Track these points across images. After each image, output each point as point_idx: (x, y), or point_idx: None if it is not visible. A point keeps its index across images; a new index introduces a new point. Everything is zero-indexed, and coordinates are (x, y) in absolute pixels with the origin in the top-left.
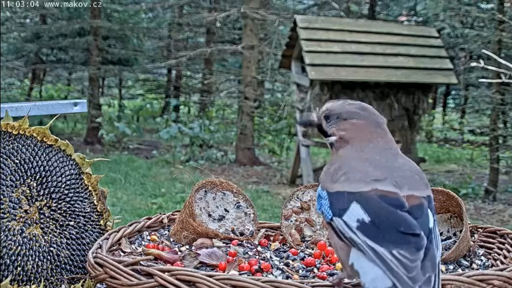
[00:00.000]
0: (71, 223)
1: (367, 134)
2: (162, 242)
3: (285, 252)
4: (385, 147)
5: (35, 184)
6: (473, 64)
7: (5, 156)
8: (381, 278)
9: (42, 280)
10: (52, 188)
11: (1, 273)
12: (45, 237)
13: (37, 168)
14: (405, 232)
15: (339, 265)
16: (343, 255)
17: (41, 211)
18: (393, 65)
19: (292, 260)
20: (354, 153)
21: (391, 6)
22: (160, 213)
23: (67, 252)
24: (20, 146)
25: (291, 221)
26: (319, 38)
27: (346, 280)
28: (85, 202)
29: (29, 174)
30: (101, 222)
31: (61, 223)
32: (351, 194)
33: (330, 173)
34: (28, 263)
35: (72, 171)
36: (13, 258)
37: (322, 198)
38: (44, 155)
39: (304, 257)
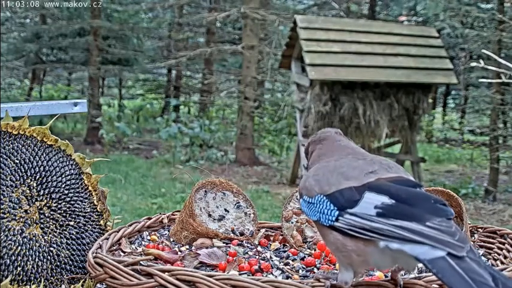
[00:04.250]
0: (71, 223)
1: (330, 147)
2: (162, 242)
3: (285, 252)
4: (348, 150)
5: (35, 184)
6: (473, 64)
7: (5, 156)
8: (428, 252)
9: (42, 280)
10: (52, 188)
11: (1, 273)
12: (45, 237)
13: (37, 168)
14: (436, 202)
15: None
16: (354, 254)
17: (41, 211)
18: (393, 65)
19: (292, 260)
20: (331, 161)
21: (391, 6)
22: (160, 213)
23: (67, 252)
24: (20, 146)
25: (292, 223)
26: (319, 38)
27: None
28: (85, 202)
29: (29, 174)
30: (101, 222)
31: (61, 223)
32: (359, 187)
33: (319, 179)
34: (28, 263)
35: (72, 171)
36: (13, 258)
37: (316, 203)
38: (44, 155)
39: (304, 257)
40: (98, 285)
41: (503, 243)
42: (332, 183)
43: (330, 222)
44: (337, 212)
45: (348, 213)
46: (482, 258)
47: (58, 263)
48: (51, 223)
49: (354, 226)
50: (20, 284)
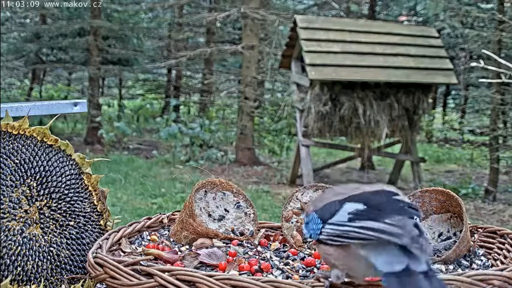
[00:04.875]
0: (71, 223)
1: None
2: (162, 242)
3: (285, 252)
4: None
5: (35, 184)
6: (473, 64)
7: (5, 156)
8: (387, 253)
9: (42, 280)
10: (52, 188)
11: (1, 273)
12: (45, 237)
13: (37, 168)
14: (406, 205)
15: None
16: (339, 259)
17: (41, 211)
18: (393, 65)
19: (292, 260)
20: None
21: (391, 6)
22: (160, 213)
23: (67, 252)
24: (20, 146)
25: (292, 223)
26: (319, 38)
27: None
28: (85, 202)
29: (29, 174)
30: (101, 222)
31: (61, 223)
32: (342, 200)
33: (315, 200)
34: (28, 263)
35: (72, 171)
36: (13, 258)
37: (310, 221)
38: (44, 155)
39: (304, 257)
40: (98, 285)
41: (503, 243)
42: (323, 200)
43: (317, 236)
44: (321, 225)
45: (328, 223)
46: (482, 258)
47: (58, 263)
48: (51, 223)
49: (331, 235)
50: (20, 284)
